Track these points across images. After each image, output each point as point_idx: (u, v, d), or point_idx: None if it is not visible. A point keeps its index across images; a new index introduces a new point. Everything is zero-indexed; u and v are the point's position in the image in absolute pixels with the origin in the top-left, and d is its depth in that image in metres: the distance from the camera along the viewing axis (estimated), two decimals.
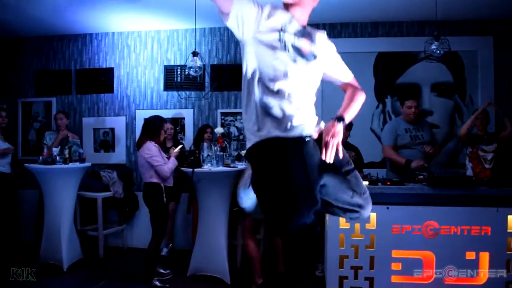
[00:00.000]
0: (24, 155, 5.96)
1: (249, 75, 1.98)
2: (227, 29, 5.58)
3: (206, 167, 4.13)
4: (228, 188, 4.20)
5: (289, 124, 1.94)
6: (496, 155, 4.27)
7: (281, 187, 1.91)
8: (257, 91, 1.96)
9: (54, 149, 4.65)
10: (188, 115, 5.82)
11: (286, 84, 1.95)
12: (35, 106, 6.18)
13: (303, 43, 2.01)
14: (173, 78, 5.86)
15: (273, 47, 1.94)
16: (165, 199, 4.07)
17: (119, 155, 5.95)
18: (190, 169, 4.06)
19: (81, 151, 4.96)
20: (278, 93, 1.94)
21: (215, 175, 4.11)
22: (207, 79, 5.68)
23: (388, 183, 3.32)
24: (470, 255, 3.15)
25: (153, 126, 4.16)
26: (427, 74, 5.37)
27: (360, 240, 3.20)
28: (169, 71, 5.88)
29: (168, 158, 4.19)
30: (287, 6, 2.05)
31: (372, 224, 3.19)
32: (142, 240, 5.01)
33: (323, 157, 1.93)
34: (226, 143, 4.63)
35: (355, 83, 2.24)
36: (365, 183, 3.23)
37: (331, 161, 1.94)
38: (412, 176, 3.63)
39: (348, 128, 4.43)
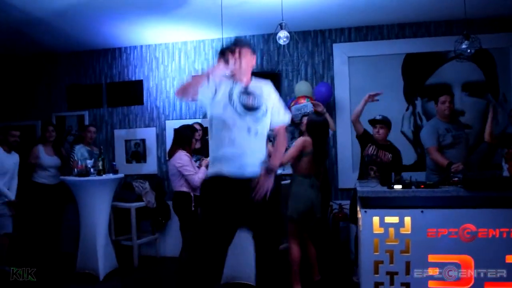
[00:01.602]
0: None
1: (209, 122, 2.75)
2: (253, 37, 5.70)
3: None
4: None
5: (236, 164, 2.59)
6: None
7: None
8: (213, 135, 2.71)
9: (88, 161, 4.77)
10: None
11: (232, 132, 2.60)
12: (68, 120, 6.36)
13: (247, 99, 2.67)
14: None
15: (225, 105, 2.64)
16: (193, 208, 4.12)
17: (150, 166, 6.05)
18: None
19: (100, 162, 4.82)
20: (226, 139, 2.61)
21: None
22: None
23: (422, 186, 3.23)
24: (510, 259, 3.05)
25: (184, 136, 4.25)
26: (458, 73, 5.25)
27: (395, 245, 3.14)
28: None
29: (199, 167, 4.24)
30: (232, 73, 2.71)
31: (406, 229, 3.12)
32: (174, 249, 5.06)
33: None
34: None
35: (283, 130, 2.88)
36: (398, 186, 3.21)
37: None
38: (447, 178, 3.55)
39: (388, 127, 4.34)
